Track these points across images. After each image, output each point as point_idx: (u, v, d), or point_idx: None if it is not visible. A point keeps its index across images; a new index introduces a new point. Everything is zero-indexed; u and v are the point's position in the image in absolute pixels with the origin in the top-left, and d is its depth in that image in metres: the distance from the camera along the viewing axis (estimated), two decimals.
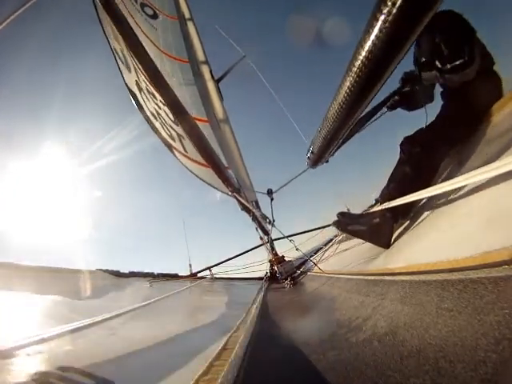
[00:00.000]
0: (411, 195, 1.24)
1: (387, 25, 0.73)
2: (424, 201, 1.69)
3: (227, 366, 0.70)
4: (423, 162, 1.84)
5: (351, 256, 2.16)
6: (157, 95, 2.59)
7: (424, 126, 2.08)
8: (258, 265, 3.96)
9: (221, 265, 4.33)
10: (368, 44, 0.81)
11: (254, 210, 3.24)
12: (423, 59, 2.13)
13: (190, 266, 4.17)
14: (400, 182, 1.89)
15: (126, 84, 2.34)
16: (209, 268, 4.19)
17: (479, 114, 1.83)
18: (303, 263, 3.51)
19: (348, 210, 2.19)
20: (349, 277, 1.45)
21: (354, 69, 0.92)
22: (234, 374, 0.64)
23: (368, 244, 1.96)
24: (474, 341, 0.43)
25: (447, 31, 1.88)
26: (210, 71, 3.48)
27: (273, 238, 3.60)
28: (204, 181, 2.66)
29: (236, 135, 3.60)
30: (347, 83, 1.02)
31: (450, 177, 1.61)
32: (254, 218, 3.47)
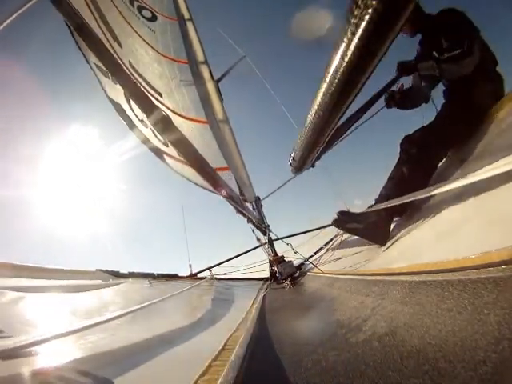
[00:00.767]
0: (407, 196, 1.24)
1: (360, 32, 0.70)
2: (424, 200, 1.69)
3: (227, 366, 0.70)
4: (420, 161, 1.84)
5: (351, 256, 2.16)
6: (152, 101, 2.58)
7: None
8: (258, 265, 3.96)
9: (221, 265, 4.34)
10: (342, 50, 0.79)
11: (248, 215, 3.25)
12: (421, 51, 2.11)
13: (190, 266, 4.17)
14: (397, 182, 1.90)
15: (109, 97, 2.32)
16: (209, 268, 4.19)
17: (479, 114, 1.84)
18: (303, 263, 3.51)
19: (348, 209, 2.19)
20: (348, 277, 1.45)
21: (329, 75, 0.90)
22: (234, 375, 0.64)
23: (368, 244, 1.97)
24: (473, 341, 0.43)
25: (447, 26, 1.89)
26: (210, 71, 3.48)
27: (271, 238, 3.61)
28: (199, 185, 2.66)
29: (236, 135, 3.61)
30: (322, 90, 1.00)
31: (449, 176, 1.61)
32: (250, 221, 3.48)
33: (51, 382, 0.65)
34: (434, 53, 1.95)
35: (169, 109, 2.80)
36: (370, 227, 1.87)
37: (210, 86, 3.40)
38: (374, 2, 0.61)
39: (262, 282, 3.60)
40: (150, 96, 2.50)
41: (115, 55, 2.05)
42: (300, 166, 2.01)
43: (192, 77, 3.28)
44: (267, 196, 3.94)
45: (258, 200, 3.76)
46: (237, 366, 0.70)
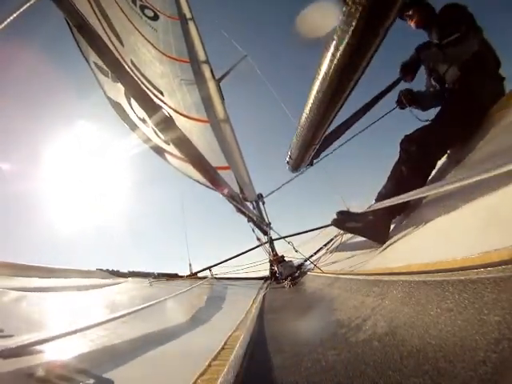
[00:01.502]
0: (406, 195, 1.24)
1: (351, 29, 0.69)
2: (424, 200, 1.69)
3: (226, 365, 0.70)
4: (420, 160, 1.85)
5: (351, 256, 2.16)
6: (153, 99, 2.58)
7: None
8: (258, 264, 3.96)
9: (221, 265, 4.34)
10: (333, 48, 0.78)
11: (249, 214, 3.24)
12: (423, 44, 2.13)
13: (190, 265, 4.18)
14: (396, 181, 1.91)
15: (108, 96, 2.32)
16: (209, 268, 4.19)
17: (479, 114, 1.84)
18: (303, 263, 3.51)
19: (347, 209, 2.19)
20: (348, 277, 1.45)
21: (321, 73, 0.90)
22: (234, 374, 0.64)
23: (368, 244, 1.97)
24: (473, 341, 0.43)
25: (448, 18, 1.92)
26: (211, 71, 3.48)
27: (272, 238, 3.61)
28: (201, 183, 2.65)
29: (237, 135, 3.61)
30: (315, 88, 0.99)
31: (449, 176, 1.61)
32: (250, 220, 3.48)
33: (52, 380, 0.65)
34: (435, 40, 1.97)
35: (170, 107, 2.80)
36: (370, 226, 1.88)
37: (212, 86, 3.40)
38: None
39: (261, 282, 3.60)
40: (151, 95, 2.51)
41: (116, 53, 2.06)
42: (297, 165, 2.00)
43: (193, 76, 3.29)
44: (270, 193, 3.92)
45: (260, 197, 3.74)
46: (236, 365, 0.70)
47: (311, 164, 2.27)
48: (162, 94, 2.77)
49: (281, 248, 3.62)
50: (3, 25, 0.99)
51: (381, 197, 1.94)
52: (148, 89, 2.53)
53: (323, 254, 3.38)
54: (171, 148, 2.37)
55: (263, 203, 3.76)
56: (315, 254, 3.79)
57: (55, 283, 1.83)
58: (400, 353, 0.52)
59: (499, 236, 0.65)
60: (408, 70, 1.99)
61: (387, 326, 0.66)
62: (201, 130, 3.19)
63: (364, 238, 2.00)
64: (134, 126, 2.41)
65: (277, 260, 3.27)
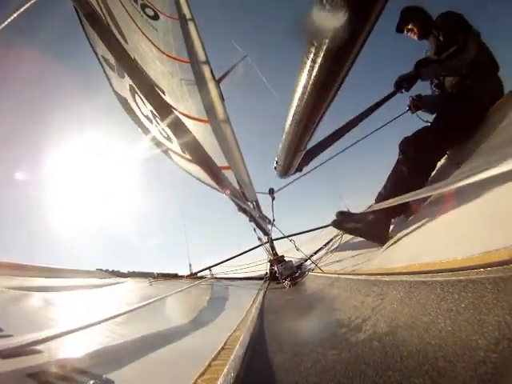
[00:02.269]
0: (406, 195, 1.24)
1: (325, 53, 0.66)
2: (423, 200, 1.69)
3: (227, 365, 0.70)
4: (419, 161, 1.86)
5: (351, 256, 2.16)
6: None
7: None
8: (258, 264, 3.97)
9: (221, 264, 4.35)
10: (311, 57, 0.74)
11: (252, 213, 3.23)
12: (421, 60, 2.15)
13: (190, 265, 4.18)
14: (395, 182, 1.91)
15: (115, 91, 2.31)
16: (209, 268, 4.20)
17: (478, 115, 1.84)
18: (303, 263, 3.51)
19: (348, 209, 2.19)
20: (348, 277, 1.45)
21: (300, 83, 0.87)
22: (234, 374, 0.64)
23: (368, 244, 1.97)
24: (474, 341, 0.43)
25: (444, 27, 1.94)
26: (211, 71, 3.47)
27: (272, 237, 3.60)
28: (204, 182, 2.65)
29: (237, 135, 3.60)
30: (297, 96, 0.97)
31: (448, 177, 1.61)
32: (252, 219, 3.47)
33: (52, 380, 0.65)
34: (433, 55, 1.99)
35: (172, 107, 2.81)
36: (369, 226, 1.88)
37: (212, 86, 3.39)
38: None
39: (261, 282, 3.60)
40: (158, 90, 2.50)
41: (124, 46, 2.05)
42: (285, 171, 2.00)
43: (193, 76, 3.28)
44: (281, 189, 3.86)
45: (271, 192, 3.68)
46: (237, 365, 0.70)
47: (300, 170, 2.28)
48: (163, 93, 2.77)
49: (281, 248, 3.62)
50: (10, 19, 1.00)
51: (381, 197, 1.95)
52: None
53: (323, 254, 3.38)
54: (174, 146, 2.37)
55: (273, 199, 3.70)
56: (315, 253, 3.80)
57: (55, 283, 1.83)
58: (400, 353, 0.52)
59: (499, 236, 0.65)
60: (406, 86, 2.01)
61: (387, 326, 0.66)
62: (201, 129, 3.19)
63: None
64: (139, 122, 2.40)
65: (277, 260, 3.27)
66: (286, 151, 1.58)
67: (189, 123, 3.02)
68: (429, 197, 1.57)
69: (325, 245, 3.81)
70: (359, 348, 0.64)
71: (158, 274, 3.33)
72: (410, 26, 2.15)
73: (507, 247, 0.55)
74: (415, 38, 2.18)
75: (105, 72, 2.18)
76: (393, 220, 1.98)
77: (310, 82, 0.80)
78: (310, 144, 1.83)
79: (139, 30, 2.74)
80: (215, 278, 3.99)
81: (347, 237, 2.98)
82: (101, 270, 2.67)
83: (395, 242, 1.58)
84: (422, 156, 1.85)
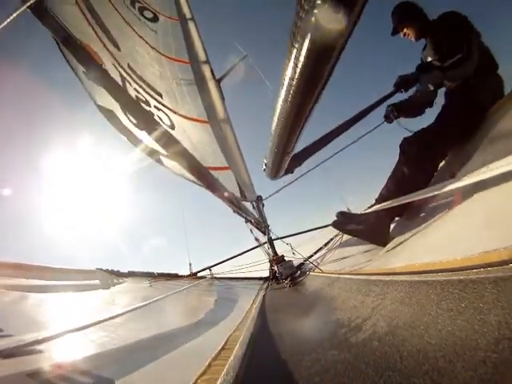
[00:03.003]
0: (407, 196, 1.24)
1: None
2: (424, 201, 1.69)
3: (227, 365, 0.70)
4: (420, 162, 1.85)
5: (351, 256, 2.16)
6: (151, 102, 2.57)
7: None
8: (258, 264, 3.96)
9: (221, 264, 4.34)
10: (294, 56, 0.71)
11: (246, 216, 3.24)
12: (422, 62, 2.14)
13: (190, 265, 4.17)
14: (397, 183, 1.91)
15: (98, 105, 2.29)
16: (209, 268, 4.19)
17: (479, 115, 1.84)
18: (303, 263, 3.51)
19: (348, 209, 2.19)
20: (348, 277, 1.45)
21: (285, 81, 0.85)
22: (234, 374, 0.64)
23: (368, 244, 1.97)
24: (474, 341, 0.43)
25: (447, 30, 1.92)
26: (211, 71, 3.47)
27: (271, 238, 3.60)
28: (198, 184, 2.64)
29: (237, 135, 3.60)
30: (282, 96, 0.95)
31: (448, 177, 1.61)
32: (248, 221, 3.47)
33: (52, 380, 0.65)
34: (436, 62, 1.97)
35: (169, 109, 2.80)
36: (370, 228, 1.87)
37: (212, 86, 3.39)
38: None
39: (262, 282, 3.60)
40: (149, 98, 2.50)
41: (112, 59, 2.06)
42: (274, 173, 1.98)
43: (193, 76, 3.28)
44: (269, 196, 3.90)
45: (260, 199, 3.74)
46: (237, 365, 0.70)
47: (291, 172, 2.25)
48: (160, 96, 2.76)
49: (281, 248, 3.62)
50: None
51: (382, 198, 1.94)
52: (146, 92, 2.53)
53: (323, 254, 3.38)
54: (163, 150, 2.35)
55: (263, 205, 3.75)
56: (315, 253, 3.79)
57: (55, 283, 1.83)
58: (400, 353, 0.52)
59: (499, 236, 0.65)
60: (405, 87, 2.00)
61: (387, 325, 0.66)
62: (201, 130, 3.19)
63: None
64: (127, 132, 2.39)
65: (277, 260, 3.27)
66: (274, 154, 1.57)
67: (188, 125, 3.02)
68: (430, 197, 1.58)
69: (325, 244, 3.80)
70: (359, 348, 0.64)
71: (158, 273, 3.33)
72: (406, 30, 2.14)
73: (507, 247, 0.55)
74: (412, 39, 2.17)
75: (85, 88, 2.15)
76: (393, 220, 1.97)
77: (293, 83, 0.80)
78: (303, 145, 1.83)
79: (136, 34, 2.73)
80: (215, 277, 3.99)
81: (347, 236, 2.98)
82: (101, 269, 2.67)
83: (395, 242, 1.58)
84: (422, 156, 1.84)
